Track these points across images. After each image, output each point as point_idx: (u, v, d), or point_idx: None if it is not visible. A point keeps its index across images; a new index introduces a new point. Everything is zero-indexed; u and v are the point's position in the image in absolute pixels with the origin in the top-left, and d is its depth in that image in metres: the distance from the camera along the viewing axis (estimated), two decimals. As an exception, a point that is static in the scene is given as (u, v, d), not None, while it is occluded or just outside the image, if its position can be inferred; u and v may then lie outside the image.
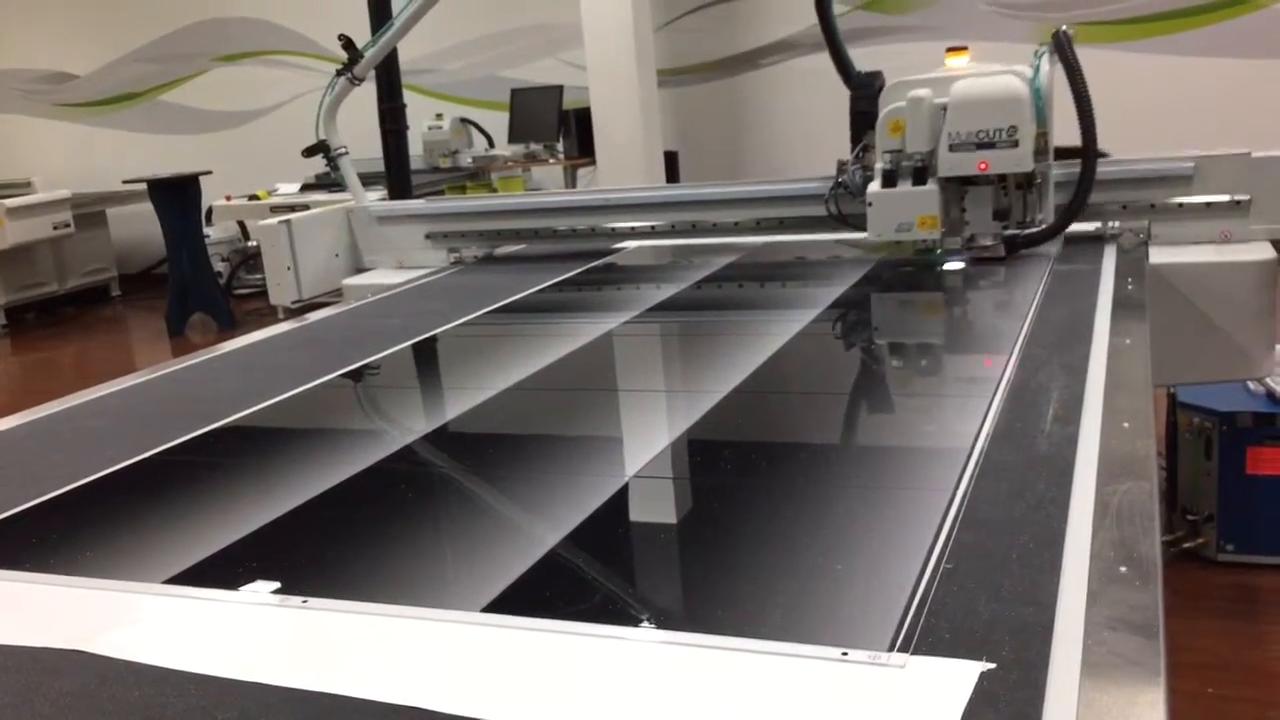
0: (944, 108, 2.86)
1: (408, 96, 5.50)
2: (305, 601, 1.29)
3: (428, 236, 3.93)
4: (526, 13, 8.71)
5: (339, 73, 3.90)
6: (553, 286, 3.25)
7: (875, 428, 1.95)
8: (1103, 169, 3.10)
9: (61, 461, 1.93)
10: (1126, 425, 1.61)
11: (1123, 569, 1.18)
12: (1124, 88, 7.26)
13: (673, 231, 3.65)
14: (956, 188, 2.92)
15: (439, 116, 8.30)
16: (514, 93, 8.24)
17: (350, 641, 1.21)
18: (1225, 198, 3.04)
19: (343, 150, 4.01)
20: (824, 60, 3.41)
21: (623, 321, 2.75)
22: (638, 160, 7.19)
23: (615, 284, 3.36)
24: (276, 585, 1.34)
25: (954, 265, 2.97)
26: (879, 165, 2.97)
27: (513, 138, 8.15)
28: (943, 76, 2.93)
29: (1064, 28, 2.91)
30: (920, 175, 2.89)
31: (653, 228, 3.67)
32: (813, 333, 2.56)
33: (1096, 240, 3.07)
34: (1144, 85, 7.18)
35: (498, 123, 8.38)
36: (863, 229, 3.02)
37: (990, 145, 2.79)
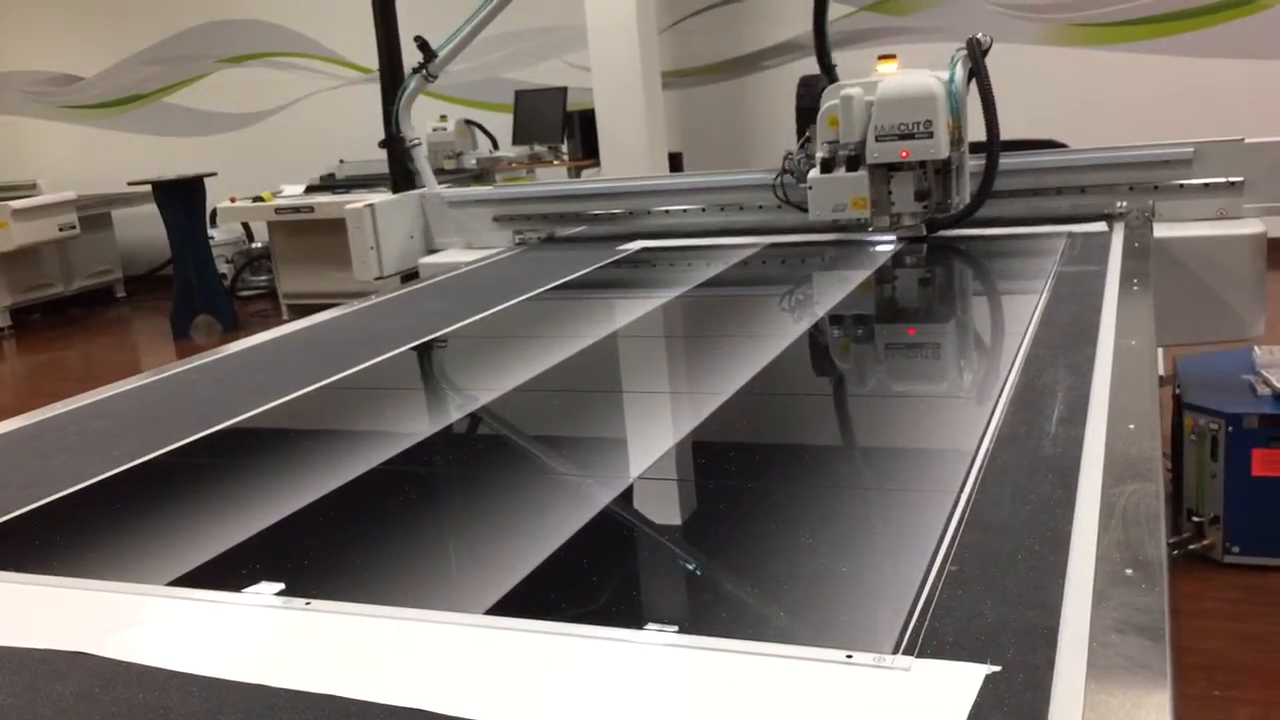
0: (872, 104, 3.25)
1: (412, 98, 5.50)
2: (309, 603, 1.29)
3: (495, 219, 4.26)
4: (531, 15, 8.70)
5: (414, 70, 4.29)
6: (609, 265, 3.53)
7: (880, 428, 1.94)
8: (1112, 154, 3.54)
9: (65, 463, 1.93)
10: (1132, 427, 1.61)
11: (1129, 571, 1.18)
12: (1128, 87, 7.26)
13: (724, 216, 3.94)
14: (884, 173, 3.31)
15: (443, 118, 8.28)
16: (518, 94, 8.23)
17: (354, 643, 1.21)
18: (1221, 179, 3.42)
19: (416, 141, 4.43)
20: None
21: (663, 301, 2.97)
22: (642, 162, 7.18)
23: (669, 263, 3.60)
24: (280, 587, 1.34)
25: (884, 246, 3.39)
26: (819, 155, 3.36)
27: (517, 139, 8.15)
28: (875, 80, 3.32)
29: (979, 35, 3.32)
30: (853, 163, 3.30)
31: (702, 209, 4.03)
32: (823, 329, 2.56)
33: (1105, 219, 3.36)
34: (1148, 85, 7.16)
35: (502, 124, 8.38)
36: (805, 210, 3.45)
37: (910, 136, 3.19)
